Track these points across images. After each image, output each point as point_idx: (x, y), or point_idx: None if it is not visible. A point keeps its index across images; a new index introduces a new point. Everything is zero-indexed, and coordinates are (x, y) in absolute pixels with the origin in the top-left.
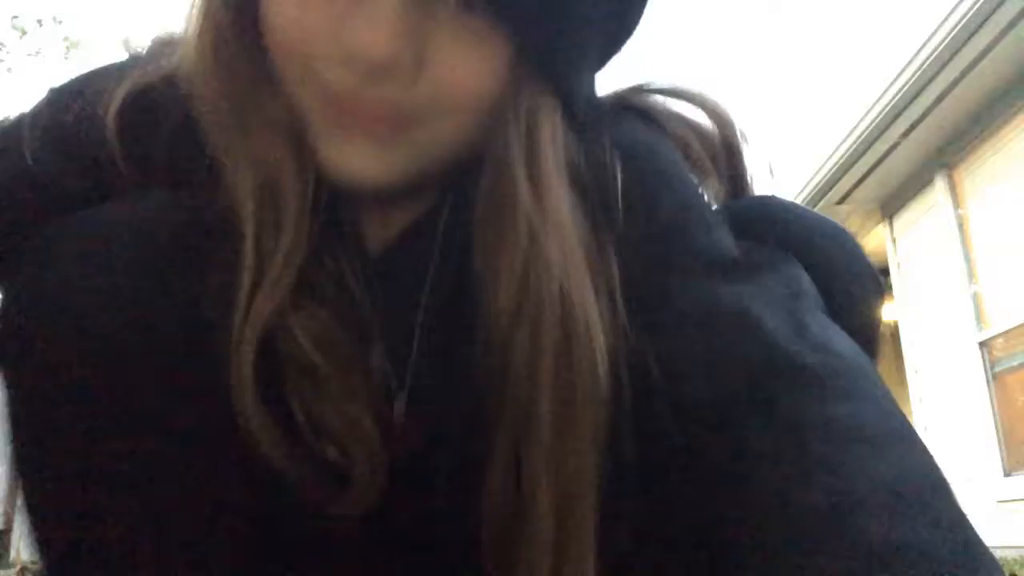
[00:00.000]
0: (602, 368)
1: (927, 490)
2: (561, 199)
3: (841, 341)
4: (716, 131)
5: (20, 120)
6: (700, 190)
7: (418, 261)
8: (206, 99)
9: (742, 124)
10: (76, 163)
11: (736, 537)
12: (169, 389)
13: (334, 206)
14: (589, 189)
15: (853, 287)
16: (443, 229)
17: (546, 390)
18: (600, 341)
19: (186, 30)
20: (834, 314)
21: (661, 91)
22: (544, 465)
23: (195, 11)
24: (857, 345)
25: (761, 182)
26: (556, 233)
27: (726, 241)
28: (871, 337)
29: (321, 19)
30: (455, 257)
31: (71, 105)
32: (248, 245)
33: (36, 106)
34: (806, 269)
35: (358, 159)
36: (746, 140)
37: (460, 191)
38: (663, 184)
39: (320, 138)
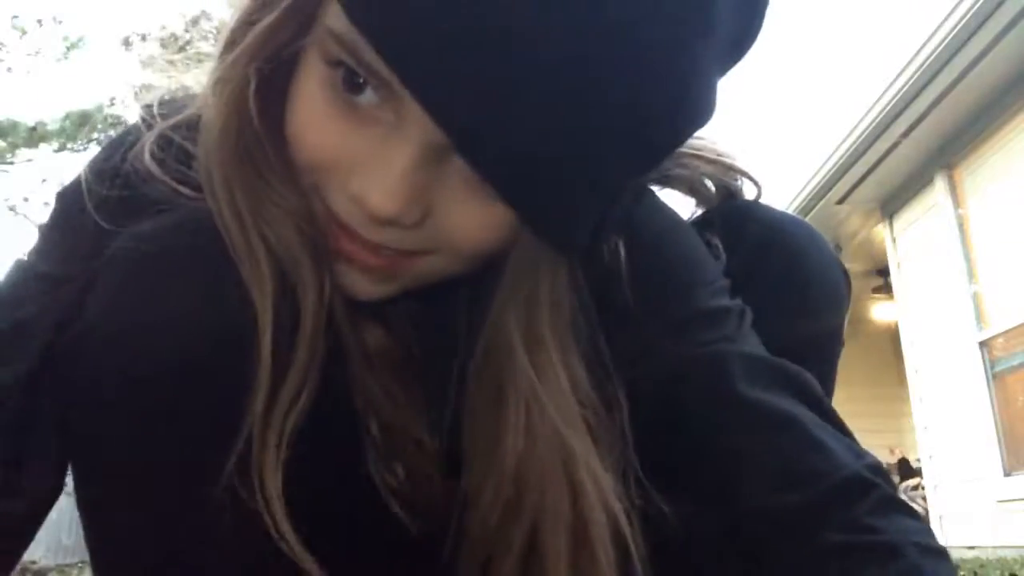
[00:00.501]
0: (631, 541)
1: None
2: (560, 368)
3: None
4: (716, 170)
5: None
6: (715, 268)
7: (446, 324)
8: (224, 184)
9: (744, 163)
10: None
11: None
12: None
13: None
14: (591, 303)
15: (829, 286)
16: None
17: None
18: (620, 513)
19: (206, 113)
20: (815, 311)
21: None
22: None
23: (220, 97)
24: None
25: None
26: (556, 408)
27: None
28: (841, 331)
29: (336, 156)
30: (477, 323)
31: (108, 179)
32: (264, 351)
33: (78, 183)
34: (788, 272)
35: (353, 282)
36: (749, 178)
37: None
38: (678, 275)
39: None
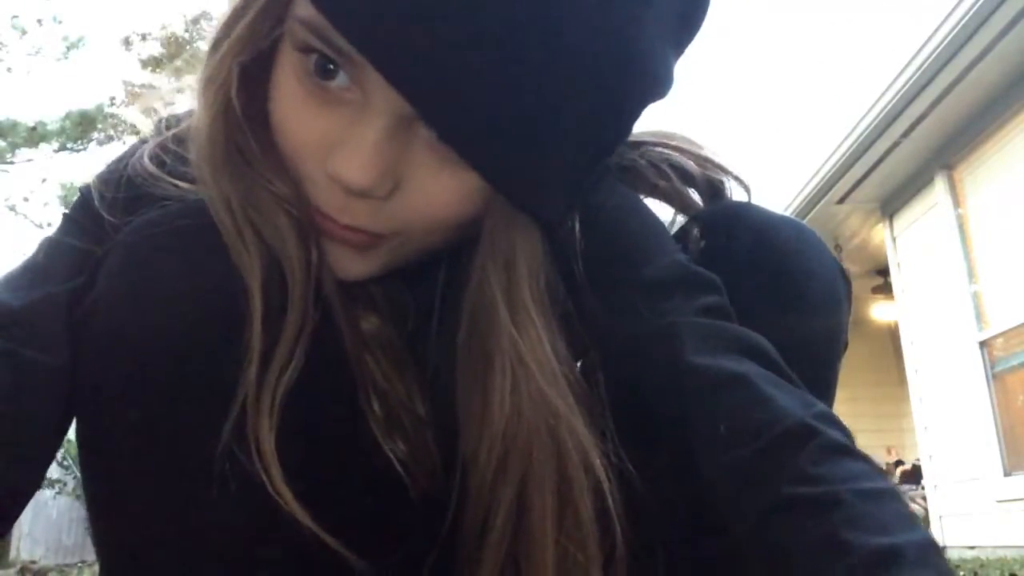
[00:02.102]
0: (610, 498)
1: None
2: (542, 332)
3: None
4: (696, 168)
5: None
6: (671, 244)
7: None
8: (213, 176)
9: (721, 156)
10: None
11: None
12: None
13: None
14: (559, 287)
15: (824, 287)
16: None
17: (546, 534)
18: (600, 470)
19: (197, 112)
20: (811, 312)
21: (642, 143)
22: None
23: (207, 95)
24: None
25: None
26: (540, 370)
27: (695, 301)
28: (843, 333)
29: (313, 139)
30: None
31: (110, 184)
32: (255, 324)
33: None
34: (781, 273)
35: (339, 260)
36: (727, 173)
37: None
38: (630, 250)
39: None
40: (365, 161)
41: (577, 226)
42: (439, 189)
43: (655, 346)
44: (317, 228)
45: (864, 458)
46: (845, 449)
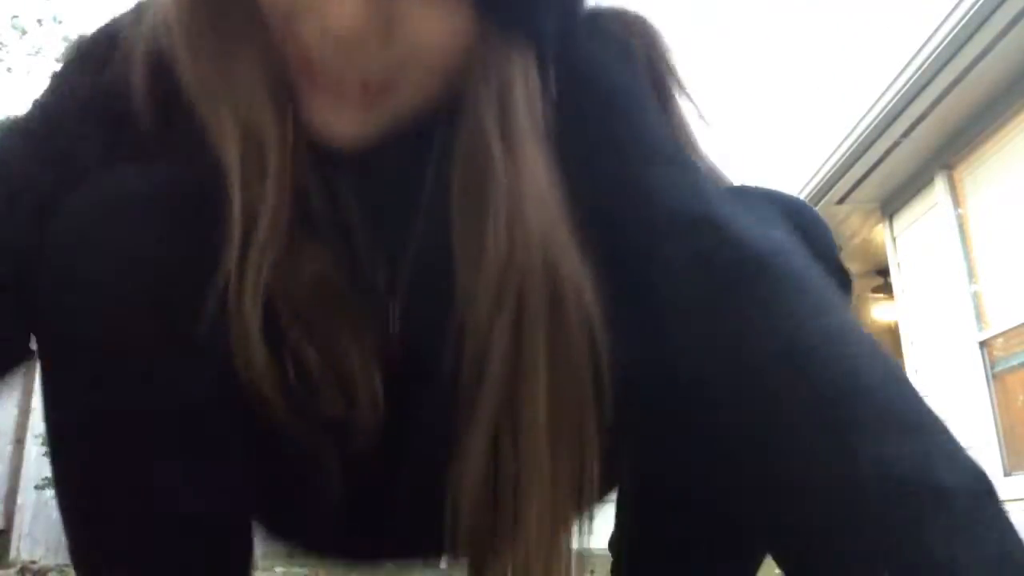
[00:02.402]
0: (599, 335)
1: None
2: (539, 165)
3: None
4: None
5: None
6: (641, 81)
7: (413, 164)
8: (188, 47)
9: (662, 36)
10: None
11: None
12: (177, 347)
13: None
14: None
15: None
16: (439, 139)
17: (539, 371)
18: (593, 308)
19: None
20: None
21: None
22: (534, 469)
23: None
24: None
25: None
26: (536, 204)
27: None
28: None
29: None
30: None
31: (102, 68)
32: (235, 199)
33: (67, 66)
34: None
35: (333, 121)
36: (668, 54)
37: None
38: (613, 102)
39: (299, 97)
40: (352, 5)
41: (553, 82)
42: (432, 26)
43: (631, 206)
44: (309, 86)
45: (825, 288)
46: (798, 278)
